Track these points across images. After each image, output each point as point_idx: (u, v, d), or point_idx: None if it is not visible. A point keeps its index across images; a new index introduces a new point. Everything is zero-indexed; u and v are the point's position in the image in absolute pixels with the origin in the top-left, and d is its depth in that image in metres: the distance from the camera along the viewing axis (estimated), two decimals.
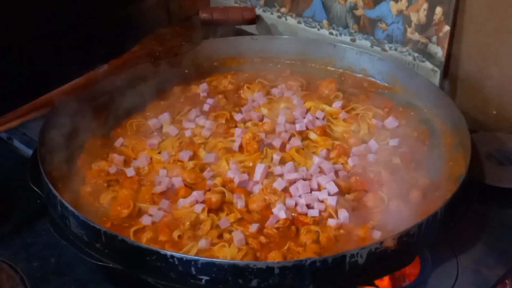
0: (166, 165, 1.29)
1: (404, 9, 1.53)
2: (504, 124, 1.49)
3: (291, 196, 1.21)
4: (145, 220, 1.16)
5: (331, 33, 1.69)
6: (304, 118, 1.41)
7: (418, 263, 1.13)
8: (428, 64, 1.54)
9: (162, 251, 1.02)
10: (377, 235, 1.13)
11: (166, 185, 1.24)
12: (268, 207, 1.20)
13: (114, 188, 1.24)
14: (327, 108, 1.45)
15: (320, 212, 1.18)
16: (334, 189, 1.21)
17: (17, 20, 1.49)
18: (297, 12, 1.73)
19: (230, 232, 1.14)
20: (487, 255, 1.18)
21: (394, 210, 1.18)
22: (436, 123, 1.40)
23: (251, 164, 1.27)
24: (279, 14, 1.77)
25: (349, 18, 1.64)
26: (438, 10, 1.47)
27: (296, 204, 1.19)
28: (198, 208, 1.18)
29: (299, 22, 1.74)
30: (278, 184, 1.22)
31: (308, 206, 1.19)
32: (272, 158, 1.29)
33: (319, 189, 1.22)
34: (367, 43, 1.63)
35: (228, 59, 1.64)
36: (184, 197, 1.20)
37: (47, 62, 1.45)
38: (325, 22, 1.69)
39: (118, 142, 1.36)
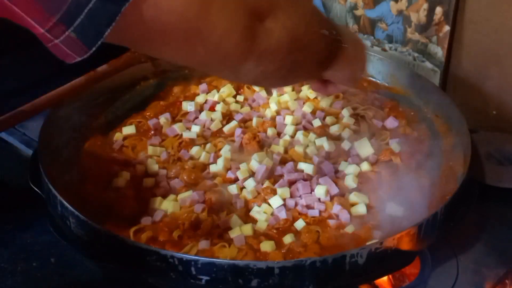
0: (166, 165, 1.29)
1: (404, 9, 1.53)
2: (504, 124, 1.49)
3: (291, 196, 1.21)
4: (145, 220, 1.16)
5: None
6: (304, 118, 1.41)
7: (418, 263, 1.12)
8: (428, 64, 1.54)
9: (162, 251, 1.02)
10: (377, 235, 1.12)
11: (166, 185, 1.24)
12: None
13: (114, 188, 1.24)
14: (327, 108, 1.45)
15: (320, 212, 1.18)
16: (335, 189, 1.21)
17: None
18: None
19: None
20: (487, 255, 1.18)
21: (394, 210, 1.18)
22: (436, 123, 1.40)
23: (251, 164, 1.27)
24: None
25: (349, 18, 1.64)
26: (438, 10, 1.47)
27: (296, 204, 1.19)
28: (198, 208, 1.17)
29: None
30: (278, 184, 1.22)
31: (308, 207, 1.19)
32: (272, 158, 1.29)
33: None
34: (367, 43, 1.63)
35: None
36: (184, 197, 1.20)
37: (47, 62, 1.45)
38: None
39: (118, 142, 1.36)
